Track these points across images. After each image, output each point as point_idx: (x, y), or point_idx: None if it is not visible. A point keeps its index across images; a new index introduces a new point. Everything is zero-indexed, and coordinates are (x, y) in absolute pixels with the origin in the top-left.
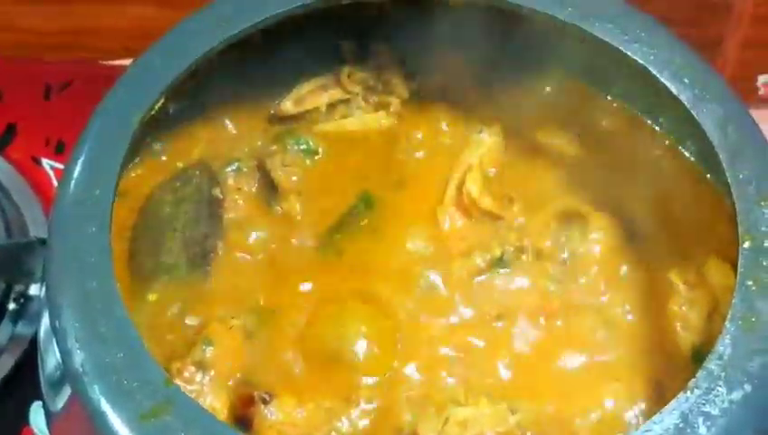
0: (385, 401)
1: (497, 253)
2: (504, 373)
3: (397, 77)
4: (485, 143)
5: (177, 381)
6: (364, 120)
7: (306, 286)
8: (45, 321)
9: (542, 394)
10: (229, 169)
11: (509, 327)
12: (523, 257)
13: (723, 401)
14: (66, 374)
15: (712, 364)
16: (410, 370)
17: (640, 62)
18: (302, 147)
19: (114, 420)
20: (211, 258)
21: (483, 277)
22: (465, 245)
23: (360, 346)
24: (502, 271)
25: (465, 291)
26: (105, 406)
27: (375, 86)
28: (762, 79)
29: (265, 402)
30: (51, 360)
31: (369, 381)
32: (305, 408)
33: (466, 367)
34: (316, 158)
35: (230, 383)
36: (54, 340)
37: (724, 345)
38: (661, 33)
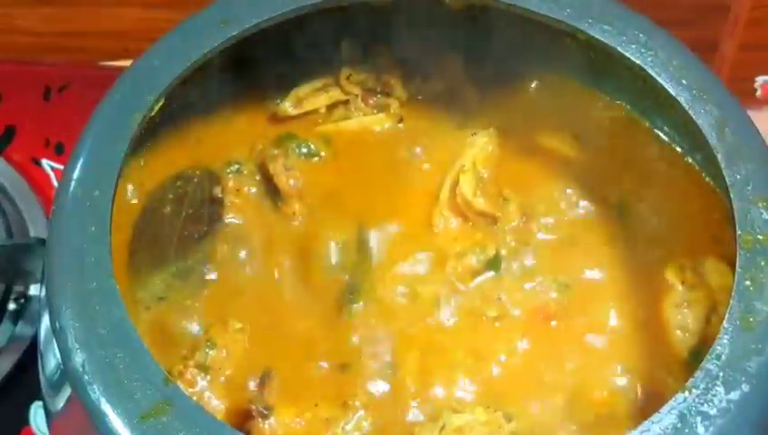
0: (382, 409)
1: (492, 253)
2: (500, 379)
3: (396, 79)
4: (478, 144)
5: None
6: (363, 121)
7: (306, 287)
8: (45, 321)
9: (538, 400)
10: (229, 170)
11: (505, 330)
12: (519, 258)
13: (721, 401)
14: (66, 374)
15: (710, 364)
16: (407, 375)
17: (638, 63)
18: (303, 150)
19: (114, 420)
20: (211, 258)
21: (478, 279)
22: (460, 246)
23: None
24: (497, 272)
25: (460, 293)
26: (105, 406)
27: (374, 88)
28: (759, 80)
29: (263, 417)
30: (51, 360)
31: (366, 388)
32: (304, 418)
33: (462, 372)
34: (317, 160)
35: (231, 386)
36: (54, 340)
37: (722, 345)
38: (659, 35)
